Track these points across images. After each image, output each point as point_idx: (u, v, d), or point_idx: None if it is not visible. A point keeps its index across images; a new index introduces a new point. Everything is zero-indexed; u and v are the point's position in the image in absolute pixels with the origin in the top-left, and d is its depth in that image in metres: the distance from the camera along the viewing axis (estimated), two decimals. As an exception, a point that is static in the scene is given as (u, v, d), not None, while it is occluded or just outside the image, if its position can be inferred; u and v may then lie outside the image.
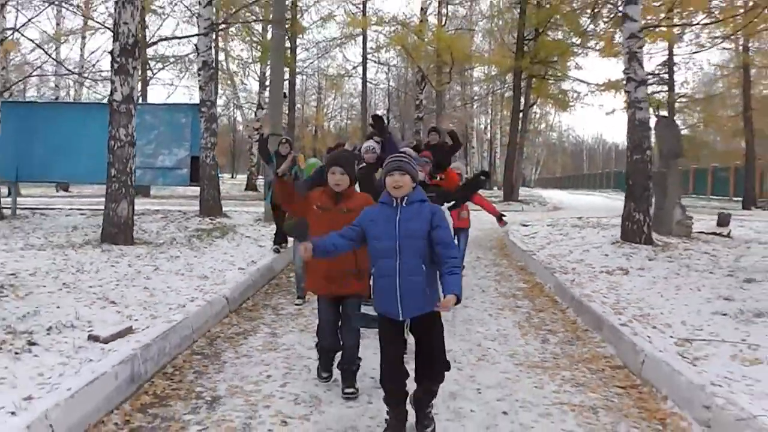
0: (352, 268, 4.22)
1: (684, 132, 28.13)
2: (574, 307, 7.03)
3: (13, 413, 3.36)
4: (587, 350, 5.64)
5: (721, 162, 35.23)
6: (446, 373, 3.71)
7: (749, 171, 27.77)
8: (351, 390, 4.34)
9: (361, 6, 27.79)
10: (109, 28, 15.61)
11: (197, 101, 15.53)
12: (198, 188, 15.25)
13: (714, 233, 12.63)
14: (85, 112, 15.81)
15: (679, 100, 29.46)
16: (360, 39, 29.66)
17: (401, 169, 3.58)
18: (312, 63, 37.05)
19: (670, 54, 28.42)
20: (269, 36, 23.01)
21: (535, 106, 35.61)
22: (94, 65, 30.33)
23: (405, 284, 3.52)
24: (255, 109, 35.94)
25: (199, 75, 14.96)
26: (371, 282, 3.78)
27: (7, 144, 14.33)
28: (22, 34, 16.51)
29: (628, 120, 10.77)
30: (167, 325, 5.29)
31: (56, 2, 20.35)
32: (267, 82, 32.15)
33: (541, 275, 9.05)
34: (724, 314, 5.94)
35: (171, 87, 59.21)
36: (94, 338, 4.82)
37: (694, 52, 26.07)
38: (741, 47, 26.99)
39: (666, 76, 29.00)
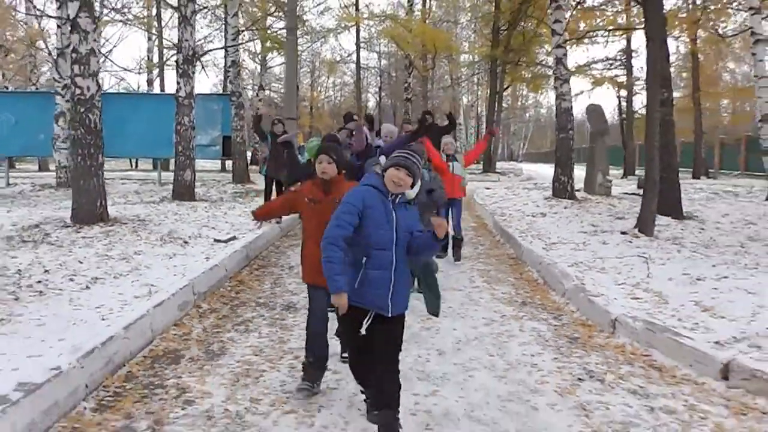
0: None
1: (642, 111, 32.07)
2: (500, 233, 10.98)
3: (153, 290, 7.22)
4: (500, 251, 9.62)
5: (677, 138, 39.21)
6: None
7: (697, 145, 31.60)
8: (309, 384, 4.24)
9: (354, 1, 31.33)
10: (174, 43, 19.06)
11: (219, 90, 19.27)
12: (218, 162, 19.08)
13: (626, 193, 16.53)
14: (132, 102, 19.55)
15: (636, 83, 33.16)
16: (353, 29, 33.23)
17: (409, 169, 3.46)
18: (308, 47, 40.57)
19: (628, 42, 32.08)
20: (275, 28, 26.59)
21: (519, 86, 39.35)
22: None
23: (398, 279, 3.45)
24: (257, 90, 39.43)
25: (228, 72, 18.70)
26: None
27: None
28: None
29: (556, 108, 14.63)
30: (254, 235, 9.18)
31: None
32: (267, 66, 36.00)
33: (486, 218, 12.98)
34: (584, 232, 9.87)
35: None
36: (217, 240, 8.69)
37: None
38: (689, 38, 30.57)
39: (625, 60, 32.58)
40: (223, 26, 21.88)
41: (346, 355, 4.41)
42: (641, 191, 17.09)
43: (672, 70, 36.94)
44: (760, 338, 4.83)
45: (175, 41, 31.62)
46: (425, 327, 5.66)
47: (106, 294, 5.74)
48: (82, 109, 9.24)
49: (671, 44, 31.80)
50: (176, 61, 13.90)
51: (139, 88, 39.67)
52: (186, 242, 8.53)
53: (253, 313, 6.20)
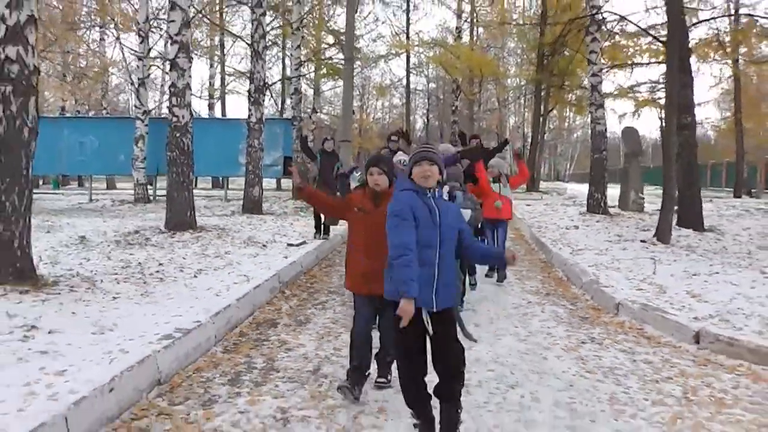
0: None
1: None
2: (534, 242, 12.30)
3: (249, 278, 8.77)
4: (533, 257, 10.95)
5: (718, 159, 39.75)
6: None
7: (739, 165, 32.24)
8: (383, 380, 4.52)
9: (405, 29, 33.07)
10: (247, 75, 20.90)
11: (274, 114, 20.98)
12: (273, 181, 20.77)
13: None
14: (201, 125, 21.41)
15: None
16: (404, 55, 34.92)
17: (430, 159, 3.54)
18: (360, 72, 42.46)
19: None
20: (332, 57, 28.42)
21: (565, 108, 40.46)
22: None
23: (443, 275, 3.46)
24: (310, 113, 41.44)
25: (291, 98, 20.49)
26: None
27: (151, 149, 20.04)
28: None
29: (591, 131, 15.91)
30: (320, 241, 10.72)
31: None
32: (320, 90, 37.93)
33: (524, 230, 14.29)
34: (609, 241, 11.14)
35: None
36: (290, 244, 10.24)
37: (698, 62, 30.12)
38: (731, 60, 31.36)
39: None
40: (280, 55, 23.91)
41: (382, 380, 4.53)
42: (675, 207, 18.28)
43: (716, 92, 37.78)
44: (729, 315, 6.13)
45: (236, 68, 33.97)
46: (464, 310, 7.06)
47: (211, 281, 7.31)
48: (177, 134, 10.97)
49: (715, 67, 32.44)
50: (248, 91, 15.65)
51: (200, 112, 42.06)
52: (264, 245, 10.11)
53: (327, 297, 7.71)
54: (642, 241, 10.84)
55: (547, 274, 9.48)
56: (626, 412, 4.24)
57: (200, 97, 37.17)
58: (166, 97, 34.53)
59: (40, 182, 33.15)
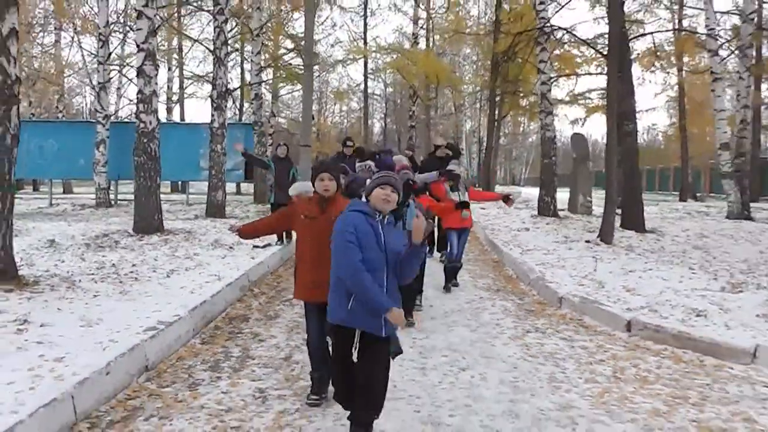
0: None
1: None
2: (488, 243, 12.99)
3: (220, 277, 9.27)
4: (486, 257, 11.63)
5: (666, 163, 41.33)
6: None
7: (684, 170, 33.62)
8: (316, 397, 4.41)
9: (362, 35, 33.62)
10: (209, 81, 21.15)
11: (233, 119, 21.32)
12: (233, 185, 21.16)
13: (606, 212, 18.51)
14: (163, 130, 21.65)
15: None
16: (362, 61, 35.45)
17: (393, 186, 3.66)
18: (318, 76, 42.88)
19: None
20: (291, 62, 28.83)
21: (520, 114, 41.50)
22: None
23: (390, 299, 3.49)
24: (269, 117, 41.72)
25: (252, 103, 20.87)
26: (338, 298, 3.61)
27: (113, 153, 20.21)
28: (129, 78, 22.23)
29: (541, 137, 16.71)
30: (283, 245, 11.21)
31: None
32: (278, 95, 38.29)
33: (479, 232, 14.97)
34: (556, 242, 11.87)
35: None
36: (255, 246, 10.70)
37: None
38: (676, 69, 32.70)
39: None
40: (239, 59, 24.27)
41: (315, 398, 4.46)
42: (619, 211, 19.22)
43: (663, 99, 39.22)
44: (658, 306, 6.85)
45: (194, 71, 34.12)
46: (421, 307, 7.63)
47: (183, 280, 7.76)
48: (145, 140, 11.35)
49: (660, 76, 33.78)
50: (210, 96, 16.04)
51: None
52: (231, 247, 10.56)
53: (293, 296, 8.21)
54: (587, 241, 11.59)
55: (498, 273, 10.14)
56: (562, 388, 4.87)
57: (159, 101, 37.15)
58: (124, 101, 34.56)
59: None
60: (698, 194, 36.19)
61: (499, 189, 38.23)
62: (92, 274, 7.88)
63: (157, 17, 12.91)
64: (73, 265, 8.49)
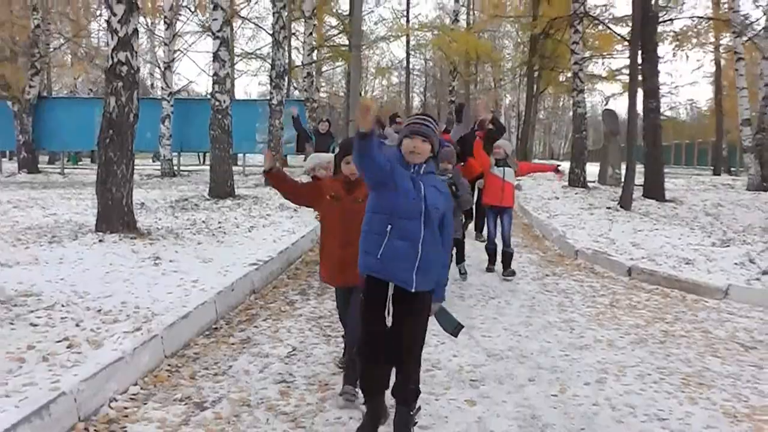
0: None
1: (668, 113, 35.18)
2: (520, 210, 14.45)
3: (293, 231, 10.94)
4: (518, 221, 13.07)
5: (705, 138, 41.93)
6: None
7: (718, 144, 34.39)
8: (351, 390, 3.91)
9: (404, 12, 34.98)
10: (268, 61, 22.79)
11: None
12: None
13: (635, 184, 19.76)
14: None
15: (662, 86, 36.07)
16: (403, 38, 36.77)
17: (424, 135, 3.21)
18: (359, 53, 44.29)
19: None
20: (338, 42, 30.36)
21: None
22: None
23: (426, 254, 3.18)
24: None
25: (305, 81, 22.51)
26: (367, 245, 3.25)
27: (176, 127, 22.08)
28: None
29: (573, 113, 18.00)
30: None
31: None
32: (321, 71, 39.86)
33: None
34: (582, 208, 13.29)
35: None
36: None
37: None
38: (712, 46, 33.31)
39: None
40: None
41: (342, 360, 4.37)
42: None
43: (700, 75, 39.63)
44: (656, 256, 8.33)
45: (245, 49, 35.89)
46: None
47: (264, 233, 9.43)
48: (219, 116, 13.03)
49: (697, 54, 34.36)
50: (270, 75, 17.64)
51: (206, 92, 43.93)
52: (296, 210, 12.21)
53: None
54: (608, 208, 13.00)
55: (527, 234, 11.65)
56: (567, 310, 6.42)
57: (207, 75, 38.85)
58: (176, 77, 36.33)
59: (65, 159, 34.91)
60: (732, 168, 36.85)
61: (537, 162, 39.39)
62: (188, 228, 9.60)
63: (228, 8, 14.52)
64: (169, 222, 10.23)
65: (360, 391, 3.56)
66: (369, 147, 3.00)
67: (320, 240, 4.37)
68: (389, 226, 3.15)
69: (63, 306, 5.00)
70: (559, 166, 8.68)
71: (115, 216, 8.42)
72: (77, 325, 4.55)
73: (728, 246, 8.85)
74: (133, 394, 3.98)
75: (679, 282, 7.39)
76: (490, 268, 8.28)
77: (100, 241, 7.97)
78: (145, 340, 4.37)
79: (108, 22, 8.31)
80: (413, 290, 3.17)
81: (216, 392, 4.09)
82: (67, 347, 4.10)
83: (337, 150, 9.73)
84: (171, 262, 7.05)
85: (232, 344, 5.09)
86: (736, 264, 7.81)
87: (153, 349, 4.42)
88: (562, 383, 4.40)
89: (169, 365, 4.51)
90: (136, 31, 8.43)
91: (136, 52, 8.46)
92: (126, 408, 3.78)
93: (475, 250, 9.22)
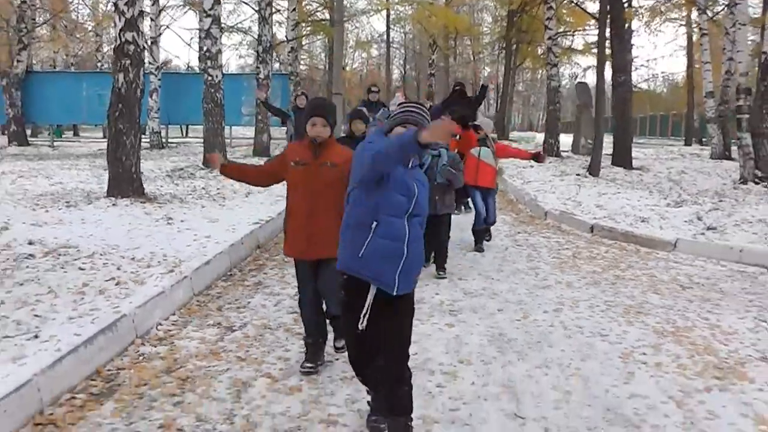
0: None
1: (643, 85, 36.20)
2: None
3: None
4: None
5: (678, 110, 43.13)
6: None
7: (689, 117, 35.51)
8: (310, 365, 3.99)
9: (385, -13, 35.55)
10: (254, 36, 23.39)
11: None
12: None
13: (605, 153, 20.75)
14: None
15: (637, 59, 37.06)
16: (384, 12, 37.31)
17: (415, 123, 2.96)
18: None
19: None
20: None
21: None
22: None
23: (411, 254, 2.99)
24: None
25: (288, 55, 23.13)
26: (348, 239, 3.04)
27: (163, 101, 22.67)
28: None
29: (547, 87, 18.89)
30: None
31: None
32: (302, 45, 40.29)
33: (490, 170, 17.35)
34: (554, 175, 14.24)
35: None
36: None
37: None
38: (685, 20, 34.18)
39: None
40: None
41: (340, 345, 4.23)
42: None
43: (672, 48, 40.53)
44: (615, 215, 9.31)
45: (226, 23, 36.27)
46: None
47: (260, 198, 10.24)
48: (212, 90, 13.74)
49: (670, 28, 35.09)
50: (256, 51, 18.32)
51: (188, 66, 44.16)
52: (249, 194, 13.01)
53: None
54: (577, 175, 13.96)
55: (502, 198, 12.53)
56: (534, 260, 7.37)
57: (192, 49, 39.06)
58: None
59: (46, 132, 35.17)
60: (704, 139, 38.03)
61: (513, 135, 40.34)
62: (190, 194, 10.40)
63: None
64: (171, 188, 11.01)
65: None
66: (414, 154, 2.89)
67: (285, 210, 4.03)
68: (375, 223, 2.94)
69: (101, 255, 5.83)
70: (540, 152, 8.39)
71: (125, 182, 9.20)
72: (118, 269, 5.40)
73: (681, 206, 9.84)
74: (174, 321, 4.85)
75: (635, 237, 8.36)
76: (486, 240, 8.25)
77: (114, 205, 8.76)
78: (179, 280, 5.23)
79: (115, 4, 9.01)
80: (394, 294, 2.99)
81: (241, 320, 4.97)
82: (116, 284, 4.95)
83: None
84: (182, 221, 7.87)
85: (248, 286, 5.97)
86: (685, 221, 8.79)
87: (185, 287, 5.29)
88: (525, 312, 5.33)
89: (198, 301, 5.39)
90: (141, 12, 9.13)
91: (142, 32, 9.16)
92: (170, 330, 4.65)
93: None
